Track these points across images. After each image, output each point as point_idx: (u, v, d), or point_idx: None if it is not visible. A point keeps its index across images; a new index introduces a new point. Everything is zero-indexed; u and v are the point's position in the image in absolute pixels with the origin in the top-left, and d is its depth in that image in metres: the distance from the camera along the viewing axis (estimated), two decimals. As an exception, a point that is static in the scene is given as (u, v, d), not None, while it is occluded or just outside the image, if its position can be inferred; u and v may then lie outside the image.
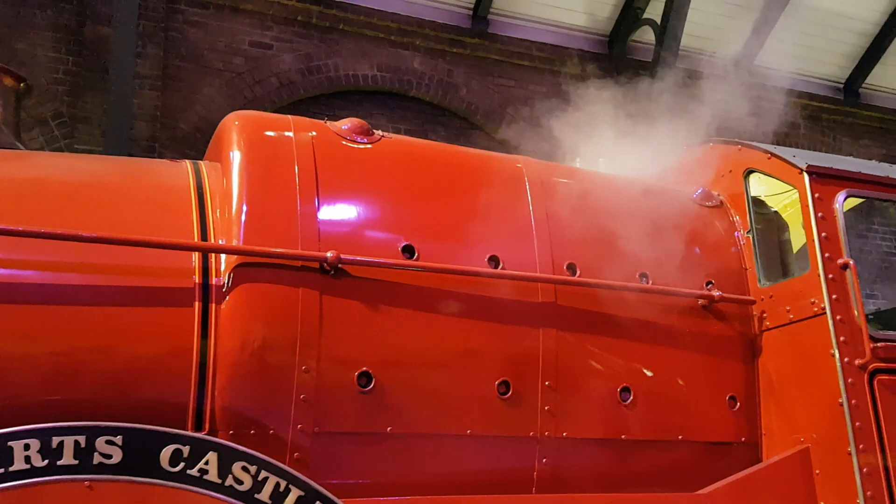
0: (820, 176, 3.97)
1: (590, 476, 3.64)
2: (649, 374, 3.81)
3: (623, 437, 3.67)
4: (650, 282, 3.89)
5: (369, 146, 3.74)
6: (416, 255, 3.47)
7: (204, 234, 3.26)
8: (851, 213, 4.32)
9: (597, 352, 3.73)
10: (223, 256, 3.20)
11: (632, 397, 3.69)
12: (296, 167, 3.42)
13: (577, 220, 3.83)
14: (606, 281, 3.76)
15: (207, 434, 2.98)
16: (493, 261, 3.61)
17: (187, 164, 3.62)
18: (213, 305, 3.11)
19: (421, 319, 3.42)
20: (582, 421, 3.61)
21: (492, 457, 3.50)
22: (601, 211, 3.86)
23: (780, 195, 4.48)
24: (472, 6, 8.89)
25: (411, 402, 3.32)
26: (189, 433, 2.84)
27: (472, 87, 8.97)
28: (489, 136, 8.98)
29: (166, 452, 2.66)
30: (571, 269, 3.76)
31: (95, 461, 2.58)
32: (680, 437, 3.78)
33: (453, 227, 3.70)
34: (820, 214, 3.89)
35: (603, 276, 3.77)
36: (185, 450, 2.69)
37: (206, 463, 2.71)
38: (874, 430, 3.66)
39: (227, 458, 2.73)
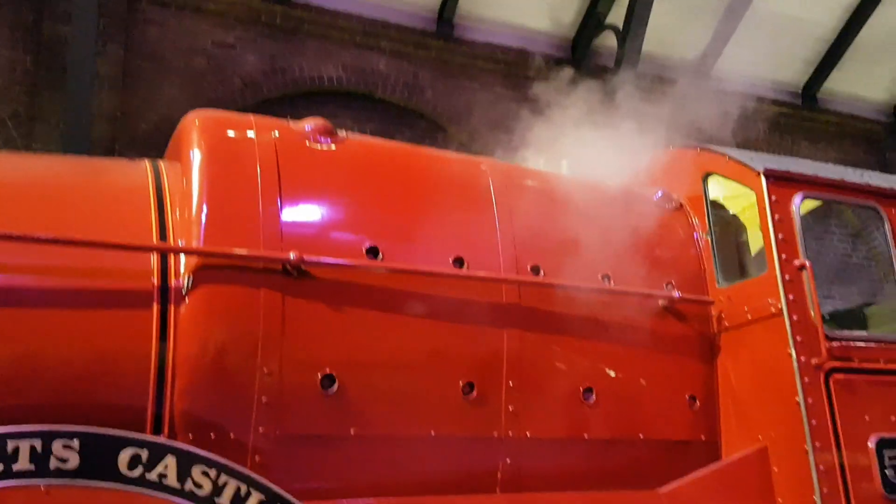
0: (777, 179, 4.04)
1: (553, 475, 3.67)
2: (611, 373, 3.85)
3: (585, 436, 3.70)
4: (612, 283, 3.93)
5: (333, 147, 3.72)
6: (381, 256, 3.46)
7: (163, 235, 3.21)
8: (809, 216, 4.41)
9: (560, 352, 3.76)
10: (182, 257, 3.16)
11: (594, 397, 3.72)
12: (258, 167, 3.39)
13: (541, 221, 3.86)
14: (569, 282, 3.79)
15: (166, 438, 2.94)
16: (458, 262, 3.62)
17: (146, 163, 3.57)
18: (172, 307, 3.07)
19: (385, 321, 3.41)
20: (545, 421, 3.64)
21: (456, 457, 3.50)
22: (564, 213, 3.89)
23: (739, 198, 4.56)
24: (437, 9, 8.91)
25: (375, 404, 3.31)
26: (148, 437, 2.81)
27: (438, 90, 8.98)
28: (455, 137, 8.99)
29: (124, 456, 2.63)
30: (535, 270, 3.78)
31: (52, 465, 2.53)
32: (641, 436, 3.82)
33: (418, 229, 3.70)
34: (777, 216, 3.96)
35: (566, 278, 3.80)
36: (144, 454, 2.66)
37: (165, 467, 2.67)
38: (830, 428, 3.74)
39: (186, 462, 2.70)
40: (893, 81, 11.24)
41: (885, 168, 10.93)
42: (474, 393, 3.48)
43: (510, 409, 3.54)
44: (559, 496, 3.54)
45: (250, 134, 3.52)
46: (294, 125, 3.73)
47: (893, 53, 10.76)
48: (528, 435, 3.57)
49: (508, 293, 3.67)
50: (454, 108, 9.01)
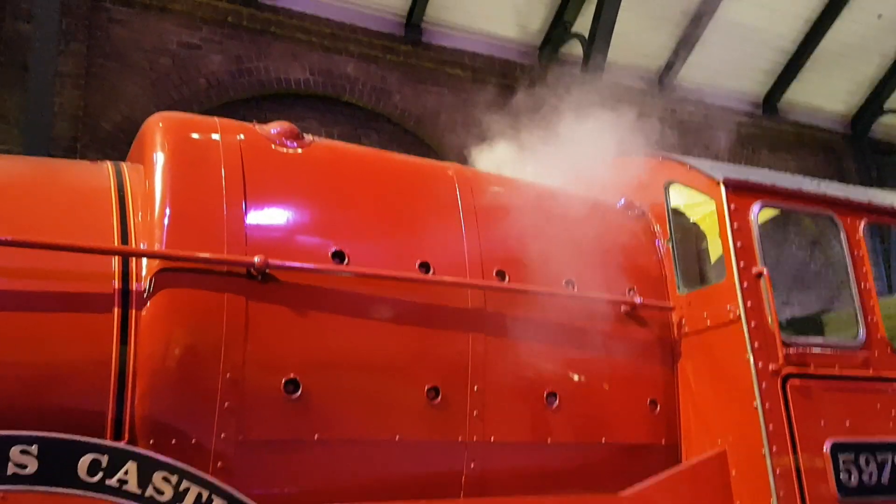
0: (736, 188, 4.12)
1: (516, 479, 3.69)
2: (575, 378, 3.88)
3: (549, 440, 3.73)
4: (576, 288, 3.97)
5: (299, 150, 3.71)
6: (347, 260, 3.46)
7: (124, 238, 3.17)
8: (769, 224, 4.50)
9: (524, 357, 3.78)
10: (144, 261, 3.12)
11: (557, 401, 3.76)
12: (222, 170, 3.36)
13: (507, 227, 3.88)
14: (534, 287, 3.83)
15: (127, 443, 2.90)
16: (424, 266, 3.63)
17: (108, 165, 3.52)
18: (134, 311, 3.03)
19: (350, 325, 3.40)
20: (509, 425, 3.66)
21: (420, 462, 3.50)
22: (529, 218, 3.92)
23: (699, 206, 4.63)
24: (405, 14, 8.92)
25: (340, 409, 3.30)
26: (108, 442, 2.77)
27: (406, 94, 8.99)
28: (422, 142, 9.02)
29: (84, 462, 2.59)
30: (500, 275, 3.80)
31: (9, 471, 2.48)
32: (603, 440, 3.86)
33: (384, 233, 3.70)
34: (735, 225, 4.04)
35: (531, 282, 3.83)
36: (104, 459, 2.62)
37: (126, 473, 2.64)
38: (787, 432, 3.81)
39: (147, 468, 2.66)
40: (850, 93, 11.54)
41: (843, 178, 11.20)
42: (439, 398, 3.49)
43: (475, 414, 3.56)
44: (523, 500, 3.57)
45: (215, 136, 3.49)
46: (260, 128, 3.71)
47: (852, 65, 11.04)
48: (493, 439, 3.58)
49: (474, 298, 3.69)
50: (422, 112, 9.03)
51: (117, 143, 7.41)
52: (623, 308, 4.06)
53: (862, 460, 3.91)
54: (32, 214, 3.13)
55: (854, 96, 11.56)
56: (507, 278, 3.80)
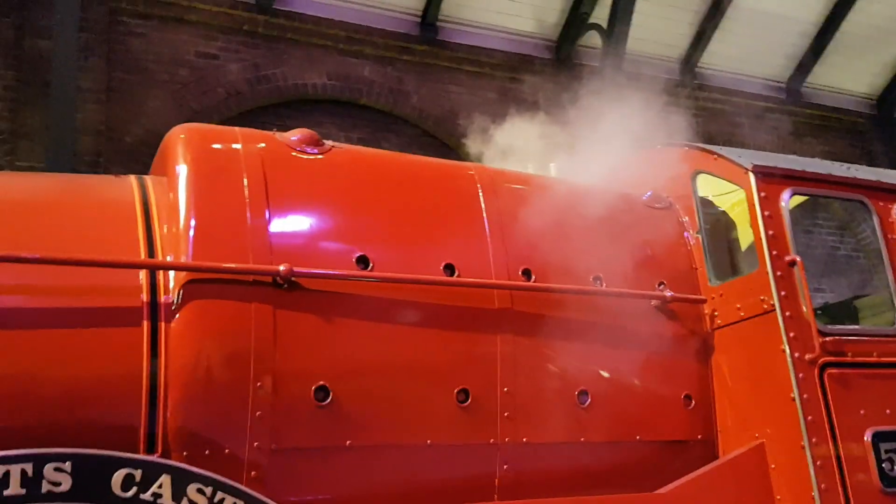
0: (765, 175, 4.05)
1: (550, 480, 3.65)
2: (606, 375, 3.84)
3: (582, 439, 3.69)
4: (604, 284, 3.93)
5: (320, 156, 3.70)
6: (371, 265, 3.44)
7: (151, 251, 3.18)
8: (797, 209, 4.42)
9: (554, 356, 3.75)
10: (171, 273, 3.13)
11: (589, 400, 3.71)
12: (244, 180, 3.37)
13: (531, 225, 3.85)
14: (561, 285, 3.79)
15: (160, 456, 2.91)
16: (448, 268, 3.61)
17: (132, 179, 3.54)
18: (163, 324, 3.04)
19: (377, 330, 3.39)
20: (541, 425, 3.62)
21: (453, 465, 3.48)
22: (554, 216, 3.88)
23: (728, 195, 4.56)
24: (420, 13, 8.89)
25: (370, 415, 3.29)
26: (141, 456, 2.78)
27: (423, 94, 8.96)
28: (441, 142, 8.98)
29: (118, 477, 2.59)
30: (526, 274, 3.77)
31: (44, 489, 2.49)
32: (637, 438, 3.81)
33: (407, 236, 3.69)
34: (766, 213, 3.97)
35: (557, 281, 3.79)
36: (138, 474, 2.62)
37: (160, 486, 2.64)
38: (826, 423, 3.74)
39: (181, 481, 2.66)
40: (876, 74, 11.32)
41: (870, 160, 11.01)
42: (469, 400, 3.46)
43: (505, 415, 3.53)
44: (558, 501, 3.53)
45: (236, 146, 3.50)
46: (280, 136, 3.71)
47: (875, 46, 10.83)
48: (525, 440, 3.55)
49: (500, 298, 3.66)
50: (440, 112, 9.00)
51: (140, 155, 7.47)
52: (653, 303, 4.01)
53: (905, 450, 3.82)
54: (59, 231, 3.15)
55: (879, 77, 11.34)
56: (533, 277, 3.77)
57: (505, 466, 3.52)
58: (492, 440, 3.49)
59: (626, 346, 3.88)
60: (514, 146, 4.76)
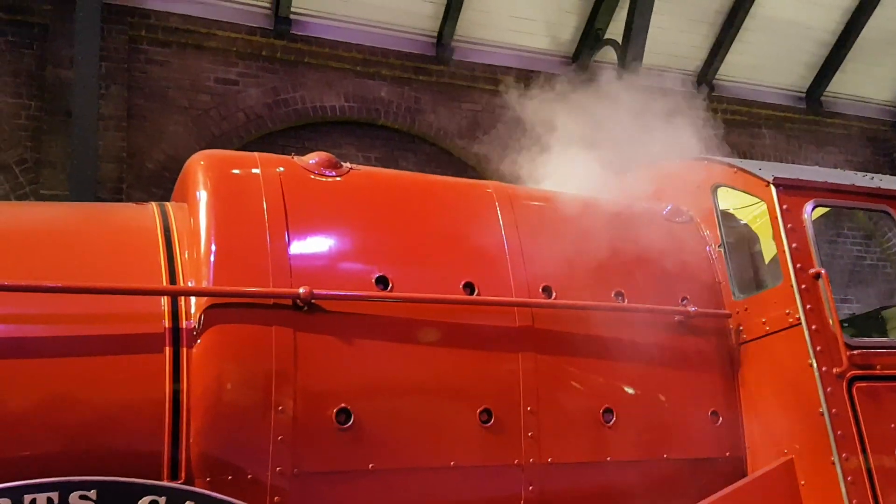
0: (787, 188, 4.00)
1: (577, 500, 3.61)
2: (631, 393, 3.79)
3: (608, 458, 3.64)
4: (625, 300, 3.89)
5: (338, 179, 3.72)
6: (391, 285, 3.44)
7: (173, 278, 3.20)
8: (821, 219, 4.36)
9: (577, 373, 3.71)
10: (193, 299, 3.15)
11: (614, 418, 3.67)
12: (264, 204, 3.39)
13: (550, 242, 3.83)
14: (582, 302, 3.76)
15: (184, 483, 2.91)
16: (468, 287, 3.59)
17: (153, 206, 3.58)
18: (185, 349, 3.05)
19: (398, 351, 3.38)
20: (566, 445, 3.58)
21: (477, 487, 3.45)
22: (573, 232, 3.86)
23: (749, 207, 4.51)
24: (435, 34, 8.95)
25: (392, 437, 3.27)
26: (165, 483, 2.78)
27: (440, 113, 9.00)
28: (460, 160, 9.00)
29: (143, 504, 2.59)
30: (547, 291, 3.75)
31: (69, 517, 2.50)
32: (665, 456, 3.76)
33: (426, 256, 3.68)
34: (789, 225, 3.92)
35: (578, 297, 3.76)
36: (162, 501, 2.63)
37: (184, 513, 2.64)
38: (856, 437, 3.67)
39: (204, 507, 2.66)
40: (897, 81, 11.20)
41: (894, 169, 10.86)
42: (492, 420, 3.43)
43: (529, 435, 3.49)
44: (584, 522, 3.49)
45: (255, 171, 3.53)
46: (299, 160, 3.74)
47: (894, 53, 10.72)
48: (550, 460, 3.51)
49: (521, 316, 3.63)
50: (458, 130, 9.02)
51: (162, 181, 7.55)
52: (677, 318, 3.96)
53: (938, 464, 3.73)
54: (82, 260, 3.19)
55: (900, 84, 11.24)
56: (553, 294, 3.74)
57: (530, 487, 3.48)
58: (516, 461, 3.46)
59: (650, 362, 3.83)
60: (532, 162, 4.75)
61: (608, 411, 3.67)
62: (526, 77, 9.19)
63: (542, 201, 4.19)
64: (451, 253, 3.72)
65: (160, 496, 2.62)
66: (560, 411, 3.60)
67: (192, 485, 2.88)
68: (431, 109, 8.97)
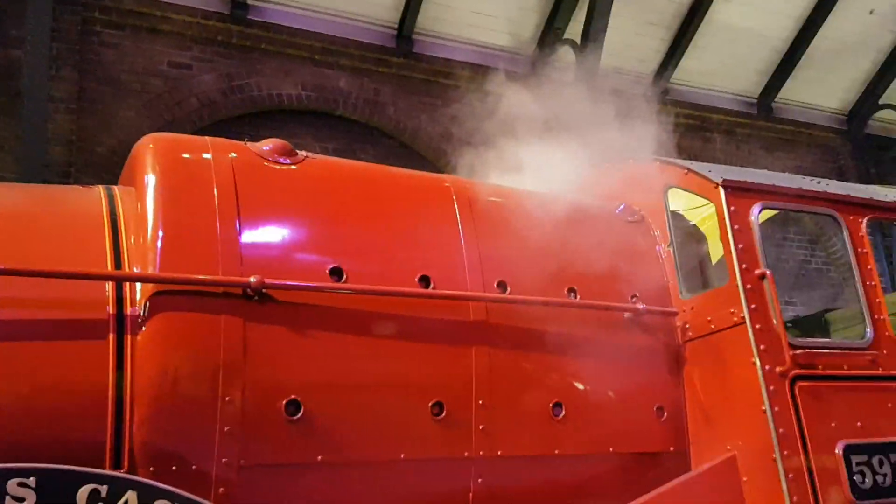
0: (735, 190, 4.08)
1: (524, 493, 3.64)
2: (580, 387, 3.84)
3: (556, 452, 3.69)
4: (578, 296, 3.93)
5: (293, 167, 3.67)
6: (345, 277, 3.42)
7: (118, 263, 3.13)
8: (768, 223, 4.46)
9: (529, 368, 3.74)
10: (139, 285, 3.08)
11: (564, 412, 3.71)
12: (214, 190, 3.33)
13: (506, 237, 3.85)
14: (536, 297, 3.79)
15: (126, 472, 2.86)
16: (424, 280, 3.59)
17: (100, 189, 3.49)
18: (129, 337, 2.99)
19: (351, 343, 3.36)
20: (516, 438, 3.61)
21: (427, 480, 3.46)
22: (528, 228, 3.89)
23: (699, 209, 4.60)
24: (395, 26, 8.91)
25: (342, 429, 3.25)
26: (107, 472, 2.72)
27: (400, 106, 8.96)
28: (419, 154, 8.98)
29: (83, 493, 2.54)
30: (502, 286, 3.77)
31: (7, 505, 2.44)
32: (611, 450, 3.81)
33: (382, 248, 3.67)
34: (736, 227, 4.00)
35: (532, 293, 3.79)
36: (103, 490, 2.57)
37: (126, 502, 2.59)
38: (797, 435, 3.76)
39: (147, 497, 2.62)
40: (845, 89, 11.50)
41: (841, 175, 11.17)
42: (444, 413, 3.44)
43: (480, 428, 3.51)
44: (531, 514, 3.52)
45: (206, 156, 3.46)
46: (252, 146, 3.68)
47: (845, 62, 11.02)
48: (500, 453, 3.54)
49: (476, 311, 3.65)
50: (417, 124, 9.00)
51: (112, 166, 7.37)
52: (626, 315, 4.02)
53: (875, 462, 3.85)
54: (24, 243, 3.10)
55: (849, 93, 11.52)
56: (508, 289, 3.76)
57: (479, 480, 3.50)
58: (466, 454, 3.47)
59: (599, 357, 3.88)
60: (490, 159, 4.76)
61: (558, 405, 3.71)
62: (485, 73, 9.21)
63: (498, 197, 4.21)
64: (408, 246, 3.72)
65: (101, 485, 2.56)
66: (511, 405, 3.62)
67: (136, 474, 2.83)
68: (391, 102, 8.93)
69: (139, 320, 3.02)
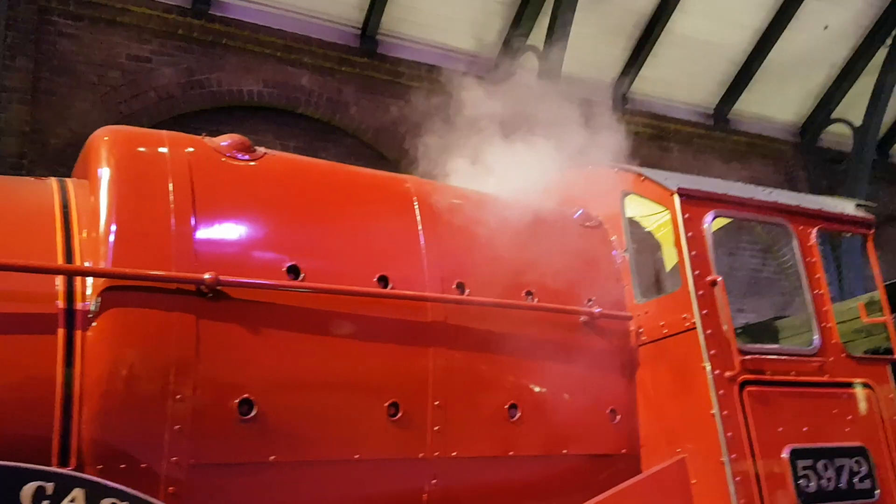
0: (689, 197, 4.16)
1: (479, 494, 3.66)
2: (535, 389, 3.87)
3: (511, 453, 3.71)
4: (535, 299, 3.97)
5: (252, 163, 3.63)
6: (302, 275, 3.39)
7: (69, 256, 3.06)
8: (722, 232, 4.55)
9: (485, 369, 3.76)
10: (90, 280, 3.02)
11: (519, 413, 3.74)
12: (170, 184, 3.28)
13: (465, 239, 3.86)
14: (494, 299, 3.81)
15: (74, 470, 2.80)
16: (382, 280, 3.59)
17: (53, 181, 3.41)
18: (79, 332, 2.93)
19: (307, 342, 3.34)
20: (471, 439, 3.63)
21: (381, 481, 3.45)
22: (488, 230, 3.91)
23: (655, 216, 4.67)
24: (360, 26, 8.88)
25: (296, 429, 3.23)
26: (53, 469, 2.67)
27: (363, 106, 8.93)
28: (380, 155, 8.96)
29: (28, 490, 2.48)
30: (460, 287, 3.78)
31: (-53, 502, 2.38)
32: (564, 451, 3.85)
33: (340, 247, 3.65)
34: (690, 234, 4.07)
35: (490, 295, 3.81)
36: (49, 487, 2.52)
37: (73, 501, 2.55)
38: (745, 439, 3.84)
39: (95, 495, 2.57)
40: (800, 103, 11.79)
41: (793, 186, 11.43)
42: (399, 414, 3.44)
43: (436, 429, 3.52)
44: (484, 515, 3.53)
45: (162, 150, 3.41)
46: (209, 141, 3.63)
47: (800, 76, 11.29)
48: (455, 454, 3.55)
49: (434, 311, 3.66)
50: (379, 124, 8.98)
51: (66, 159, 7.20)
52: (582, 318, 4.07)
53: (820, 466, 3.95)
54: (-29, 233, 3.01)
55: (803, 106, 11.81)
56: (466, 291, 3.78)
57: (434, 481, 3.50)
58: (421, 454, 3.48)
59: (555, 360, 3.92)
60: (451, 160, 4.78)
61: (513, 407, 3.74)
62: (448, 76, 9.23)
63: (459, 199, 4.22)
64: (366, 245, 3.70)
65: (48, 482, 2.51)
66: (467, 406, 3.64)
67: (83, 472, 2.77)
68: (354, 102, 8.90)
69: (90, 315, 2.97)
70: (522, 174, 4.49)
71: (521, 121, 4.65)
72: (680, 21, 10.03)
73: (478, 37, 9.44)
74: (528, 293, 3.97)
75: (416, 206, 3.90)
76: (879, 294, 4.67)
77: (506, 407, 3.72)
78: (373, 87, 9.02)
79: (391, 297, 3.56)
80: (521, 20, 9.29)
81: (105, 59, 7.71)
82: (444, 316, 3.66)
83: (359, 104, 8.91)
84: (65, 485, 2.54)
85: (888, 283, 4.97)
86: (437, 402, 3.54)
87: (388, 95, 9.06)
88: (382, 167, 8.21)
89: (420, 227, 3.82)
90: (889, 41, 11.05)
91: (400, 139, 8.96)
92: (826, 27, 10.84)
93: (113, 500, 2.59)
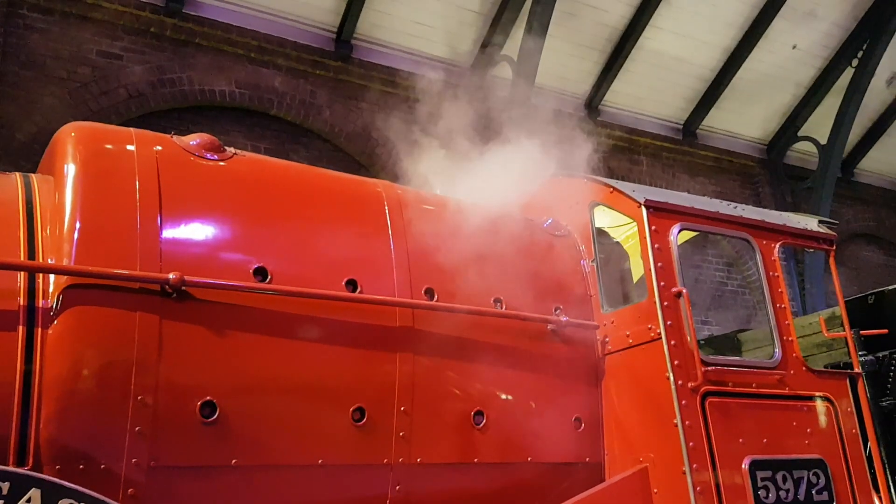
0: (657, 210, 4.21)
1: (442, 500, 3.65)
2: (501, 397, 3.88)
3: (475, 460, 3.71)
4: (504, 307, 3.98)
5: (221, 163, 3.60)
6: (269, 277, 3.37)
7: (31, 253, 3.01)
8: (689, 245, 4.61)
9: (452, 376, 3.76)
10: (52, 277, 2.97)
11: (484, 420, 3.74)
12: (136, 182, 3.23)
13: (435, 245, 3.87)
14: (462, 306, 3.81)
15: (31, 469, 2.74)
16: (351, 284, 3.57)
17: (17, 176, 3.35)
18: (40, 330, 2.88)
19: (272, 345, 3.31)
20: (436, 446, 3.62)
21: (344, 486, 3.43)
22: (458, 237, 3.92)
23: (623, 227, 4.72)
24: (335, 30, 8.86)
25: (259, 433, 3.20)
26: (9, 468, 2.61)
27: (336, 110, 8.90)
28: (352, 159, 8.93)
29: (-18, 490, 2.43)
30: (429, 293, 3.78)
31: None
32: (529, 459, 3.86)
33: (309, 250, 3.63)
34: (656, 245, 4.12)
35: (459, 301, 3.82)
36: (5, 486, 2.47)
37: (29, 501, 2.49)
38: (707, 450, 3.88)
39: (51, 496, 2.52)
40: (767, 120, 12.01)
41: (758, 202, 11.63)
42: (364, 419, 3.43)
43: (401, 435, 3.51)
44: (446, 523, 3.53)
45: (130, 147, 3.37)
46: (178, 139, 3.59)
47: (767, 93, 11.51)
48: (419, 461, 3.54)
49: (402, 317, 3.65)
50: (352, 129, 8.96)
51: (32, 154, 7.08)
52: (549, 326, 4.09)
53: (779, 477, 4.01)
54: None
55: (770, 123, 12.03)
56: (435, 297, 3.78)
57: (397, 487, 3.49)
58: (385, 460, 3.46)
59: (522, 368, 3.94)
60: (423, 167, 4.79)
61: (479, 414, 3.74)
62: (422, 83, 9.25)
63: (430, 205, 4.23)
64: (336, 249, 3.69)
65: (3, 481, 2.46)
66: (433, 412, 3.63)
67: (40, 472, 2.72)
68: (327, 105, 8.86)
69: (51, 313, 2.92)
70: (494, 182, 4.51)
71: (494, 130, 4.68)
72: (652, 37, 10.17)
73: (452, 45, 9.48)
74: (497, 300, 3.98)
75: (387, 211, 3.90)
76: (840, 309, 4.76)
77: (472, 413, 3.73)
78: (346, 91, 8.99)
79: (359, 301, 3.55)
80: (495, 31, 9.34)
81: (75, 55, 7.59)
82: (412, 321, 3.66)
83: (332, 108, 8.88)
84: (21, 484, 2.49)
85: (849, 298, 5.07)
86: (402, 408, 3.53)
87: (362, 100, 9.05)
88: (354, 171, 8.20)
89: (390, 232, 3.82)
90: (855, 62, 11.31)
91: (372, 144, 8.96)
92: (794, 47, 11.06)
93: (70, 500, 2.54)
